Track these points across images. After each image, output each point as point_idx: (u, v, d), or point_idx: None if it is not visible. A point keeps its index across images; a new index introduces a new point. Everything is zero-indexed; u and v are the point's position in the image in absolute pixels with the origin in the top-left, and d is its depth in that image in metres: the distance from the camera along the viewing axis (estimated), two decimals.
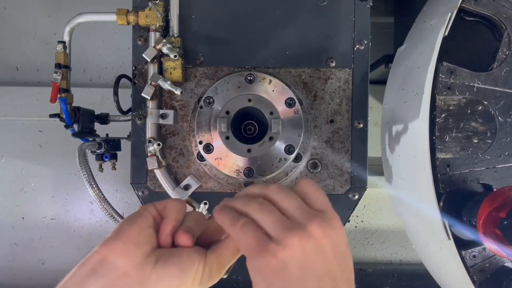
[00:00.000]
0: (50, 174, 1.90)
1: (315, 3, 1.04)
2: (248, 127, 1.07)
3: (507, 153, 1.00)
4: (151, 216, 0.52)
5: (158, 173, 1.01)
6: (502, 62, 0.99)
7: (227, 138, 0.99)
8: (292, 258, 0.43)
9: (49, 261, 1.91)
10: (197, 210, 1.01)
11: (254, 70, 1.04)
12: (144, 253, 0.47)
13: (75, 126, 1.13)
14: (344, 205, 1.05)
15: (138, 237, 0.49)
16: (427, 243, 1.03)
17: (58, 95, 1.07)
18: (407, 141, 1.00)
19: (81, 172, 1.05)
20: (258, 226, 0.46)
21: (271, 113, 1.00)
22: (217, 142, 1.00)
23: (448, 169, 0.99)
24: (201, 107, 1.01)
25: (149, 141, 1.00)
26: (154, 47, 0.97)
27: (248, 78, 1.01)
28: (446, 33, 0.93)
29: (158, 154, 1.00)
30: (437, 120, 0.97)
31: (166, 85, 0.97)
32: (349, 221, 1.57)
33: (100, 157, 1.25)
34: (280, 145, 0.99)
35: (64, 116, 1.08)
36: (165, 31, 1.02)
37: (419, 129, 0.94)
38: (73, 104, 1.13)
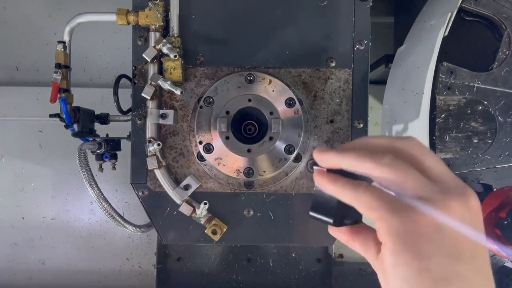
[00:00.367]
0: (50, 174, 1.90)
1: (315, 3, 1.04)
2: (248, 127, 1.07)
3: (507, 153, 1.00)
4: None
5: (158, 173, 1.01)
6: (502, 62, 0.99)
7: (227, 138, 0.99)
8: (448, 223, 0.38)
9: (49, 261, 1.91)
10: (197, 210, 1.01)
11: (254, 70, 1.04)
12: None
13: (75, 126, 1.13)
14: None
15: None
16: None
17: (58, 95, 1.07)
18: None
19: (81, 172, 1.05)
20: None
21: (271, 113, 1.00)
22: (217, 142, 1.00)
23: None
24: (201, 107, 1.01)
25: (149, 141, 1.00)
26: (154, 47, 0.97)
27: (248, 78, 1.01)
28: (446, 33, 0.93)
29: (158, 154, 1.00)
30: (437, 120, 0.97)
31: (166, 85, 0.97)
32: None
33: (100, 157, 1.25)
34: (280, 145, 0.99)
35: (64, 116, 1.08)
36: (165, 31, 1.02)
37: (419, 129, 0.94)
38: (73, 104, 1.13)
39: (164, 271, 1.77)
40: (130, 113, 1.08)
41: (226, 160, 1.00)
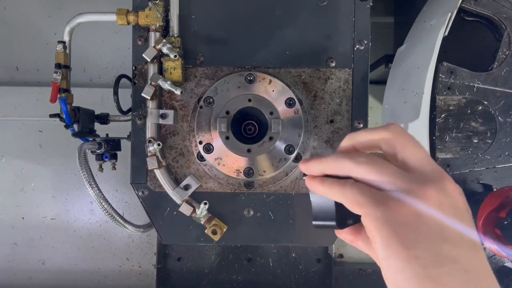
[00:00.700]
0: (50, 174, 1.90)
1: (315, 3, 1.04)
2: (248, 127, 1.07)
3: (507, 153, 1.00)
4: None
5: (158, 173, 1.01)
6: (502, 62, 0.99)
7: (227, 138, 0.99)
8: (427, 210, 0.40)
9: (49, 261, 1.91)
10: (197, 210, 1.01)
11: (254, 70, 1.04)
12: None
13: (75, 126, 1.13)
14: None
15: None
16: None
17: (58, 95, 1.07)
18: None
19: (81, 172, 1.05)
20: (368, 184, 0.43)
21: (271, 113, 1.00)
22: (217, 142, 1.00)
23: (448, 169, 0.99)
24: (201, 107, 1.01)
25: (149, 141, 1.00)
26: (154, 47, 0.97)
27: (248, 78, 1.01)
28: (446, 33, 0.93)
29: (158, 154, 1.00)
30: (437, 120, 0.97)
31: (166, 85, 0.97)
32: None
33: (100, 157, 1.25)
34: (280, 145, 0.99)
35: (64, 116, 1.08)
36: (165, 31, 1.02)
37: (419, 129, 0.94)
38: (73, 104, 1.12)
39: (164, 271, 1.77)
40: (130, 113, 1.08)
41: (226, 160, 1.00)
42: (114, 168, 1.28)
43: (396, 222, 0.40)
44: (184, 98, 1.04)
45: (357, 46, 1.04)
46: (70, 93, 1.10)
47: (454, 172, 0.99)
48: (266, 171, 1.00)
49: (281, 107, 1.00)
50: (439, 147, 0.98)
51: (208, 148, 1.00)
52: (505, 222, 0.82)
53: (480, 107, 0.98)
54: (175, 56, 0.96)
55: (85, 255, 1.91)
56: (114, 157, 1.27)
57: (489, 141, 0.99)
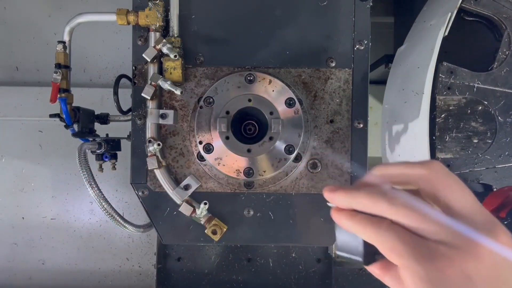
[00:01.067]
0: (50, 174, 1.90)
1: (315, 3, 1.04)
2: (248, 127, 1.07)
3: (507, 153, 1.00)
4: None
5: (158, 173, 1.01)
6: (502, 62, 0.99)
7: (227, 138, 0.99)
8: (479, 272, 0.35)
9: (49, 261, 1.91)
10: (197, 210, 1.01)
11: (254, 70, 1.04)
12: None
13: (75, 126, 1.13)
14: None
15: None
16: None
17: (58, 95, 1.07)
18: (407, 141, 1.00)
19: (81, 172, 1.05)
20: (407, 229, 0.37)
21: (271, 113, 1.00)
22: (217, 142, 1.00)
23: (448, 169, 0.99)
24: (201, 107, 1.01)
25: (149, 141, 1.00)
26: (154, 47, 0.97)
27: (248, 78, 1.01)
28: (446, 33, 0.93)
29: (158, 154, 1.00)
30: (437, 120, 0.97)
31: (166, 85, 0.97)
32: None
33: (100, 157, 1.24)
34: (280, 145, 0.99)
35: (64, 116, 1.08)
36: (165, 31, 1.02)
37: (419, 129, 0.94)
38: (73, 104, 1.12)
39: (164, 271, 1.77)
40: (130, 113, 1.08)
41: (226, 160, 1.00)
42: (114, 168, 1.28)
43: (441, 283, 0.35)
44: (184, 98, 1.04)
45: (357, 46, 1.04)
46: (70, 93, 1.10)
47: (454, 172, 0.99)
48: (266, 171, 1.00)
49: (281, 107, 1.00)
50: (439, 147, 0.98)
51: (208, 148, 1.00)
52: (505, 222, 0.82)
53: (480, 107, 0.98)
54: (175, 56, 0.96)
55: (85, 255, 1.91)
56: (114, 157, 1.27)
57: (489, 141, 0.99)
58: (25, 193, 1.90)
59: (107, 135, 1.29)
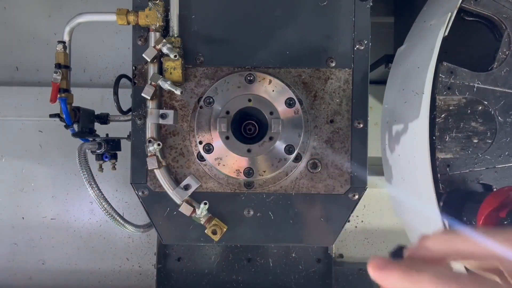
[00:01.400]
0: (50, 174, 1.90)
1: (315, 3, 1.04)
2: (248, 127, 1.07)
3: (507, 153, 1.00)
4: None
5: (158, 173, 1.01)
6: (502, 62, 0.99)
7: (227, 138, 0.99)
8: None
9: (49, 261, 1.91)
10: (197, 210, 1.01)
11: (254, 70, 1.04)
12: None
13: (75, 126, 1.13)
14: (344, 205, 1.05)
15: None
16: None
17: (58, 95, 1.07)
18: (407, 141, 1.00)
19: (81, 172, 1.05)
20: None
21: (271, 113, 1.00)
22: (217, 142, 1.00)
23: (448, 169, 0.99)
24: (201, 107, 1.01)
25: (149, 141, 1.00)
26: (154, 47, 0.97)
27: (248, 78, 1.01)
28: (446, 33, 0.93)
29: (158, 154, 1.00)
30: (437, 120, 0.97)
31: (166, 85, 0.97)
32: (349, 221, 1.57)
33: (100, 157, 1.25)
34: (280, 145, 0.99)
35: (64, 116, 1.08)
36: (165, 31, 1.02)
37: (419, 129, 0.94)
38: (73, 104, 1.13)
39: (164, 271, 1.77)
40: (130, 113, 1.08)
41: (226, 160, 1.00)
42: (114, 168, 1.28)
43: None
44: (184, 98, 1.04)
45: (357, 46, 1.04)
46: (70, 93, 1.10)
47: (454, 172, 0.99)
48: (266, 171, 1.00)
49: (281, 107, 1.00)
50: (439, 147, 0.98)
51: (208, 148, 1.00)
52: (505, 222, 0.82)
53: (480, 107, 0.98)
54: (175, 56, 0.96)
55: (85, 255, 1.91)
56: (114, 157, 1.27)
57: (489, 141, 0.99)
58: (25, 193, 1.90)
59: (107, 135, 1.29)
